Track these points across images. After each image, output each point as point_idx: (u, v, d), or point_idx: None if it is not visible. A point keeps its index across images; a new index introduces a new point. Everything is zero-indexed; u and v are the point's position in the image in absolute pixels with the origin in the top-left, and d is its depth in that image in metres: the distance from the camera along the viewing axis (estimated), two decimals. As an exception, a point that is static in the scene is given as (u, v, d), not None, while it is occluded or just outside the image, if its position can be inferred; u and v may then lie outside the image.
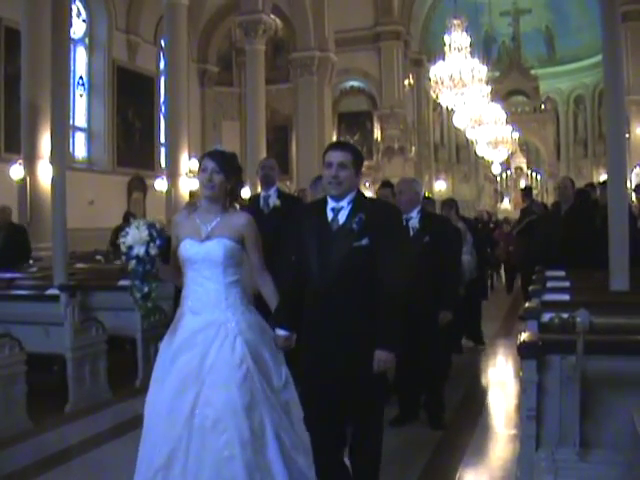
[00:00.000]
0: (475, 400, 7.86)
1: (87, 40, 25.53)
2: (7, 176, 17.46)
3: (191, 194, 20.01)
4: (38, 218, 15.71)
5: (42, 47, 15.21)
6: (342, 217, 4.19)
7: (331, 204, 4.25)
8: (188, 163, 21.04)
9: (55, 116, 9.89)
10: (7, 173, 17.53)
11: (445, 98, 26.36)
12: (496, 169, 38.29)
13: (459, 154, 40.14)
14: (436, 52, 29.50)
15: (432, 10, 34.98)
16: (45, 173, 15.67)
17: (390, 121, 31.48)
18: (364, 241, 4.10)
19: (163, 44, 24.86)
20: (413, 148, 33.26)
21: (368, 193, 28.87)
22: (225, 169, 4.31)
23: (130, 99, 25.80)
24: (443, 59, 25.93)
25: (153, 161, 26.61)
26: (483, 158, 36.39)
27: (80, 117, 24.85)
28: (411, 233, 6.56)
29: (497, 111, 30.78)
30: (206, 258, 4.26)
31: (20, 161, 16.67)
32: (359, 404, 4.31)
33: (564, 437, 3.69)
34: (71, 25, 19.75)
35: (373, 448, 4.41)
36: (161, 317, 7.85)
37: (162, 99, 26.50)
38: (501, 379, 9.29)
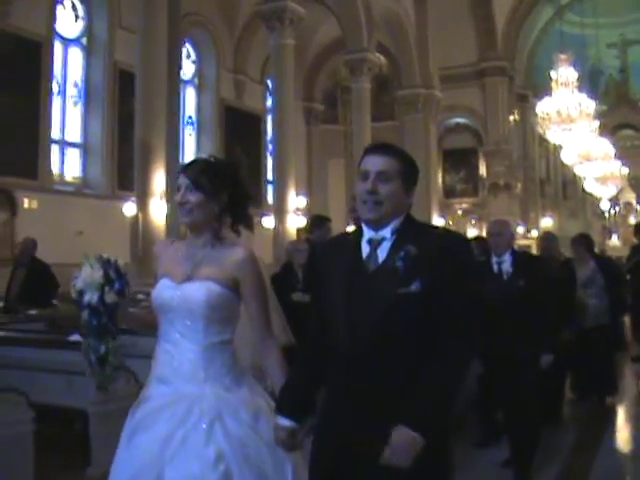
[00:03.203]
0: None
1: (196, 80, 26.28)
2: (120, 213, 18.00)
3: (298, 231, 20.17)
4: (150, 255, 16.06)
5: (155, 88, 15.70)
6: (383, 253, 2.86)
7: (368, 234, 2.91)
8: (295, 201, 21.25)
9: (168, 155, 10.14)
10: (120, 210, 18.08)
11: (553, 134, 25.96)
12: (604, 205, 37.48)
13: (566, 190, 39.41)
14: (542, 87, 29.12)
15: (537, 44, 34.62)
16: (157, 210, 16.10)
17: (496, 157, 31.17)
18: (414, 286, 2.73)
19: (270, 83, 25.35)
20: (519, 184, 32.84)
21: (473, 232, 28.96)
22: (205, 184, 3.19)
23: (237, 137, 26.34)
24: (550, 94, 25.57)
25: (260, 198, 26.99)
26: (591, 194, 35.66)
27: (190, 156, 25.42)
28: (504, 277, 6.31)
29: (605, 146, 30.15)
30: (182, 306, 3.17)
31: (133, 198, 17.13)
32: None
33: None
34: (181, 67, 20.28)
35: None
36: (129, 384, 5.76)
37: (269, 137, 26.92)
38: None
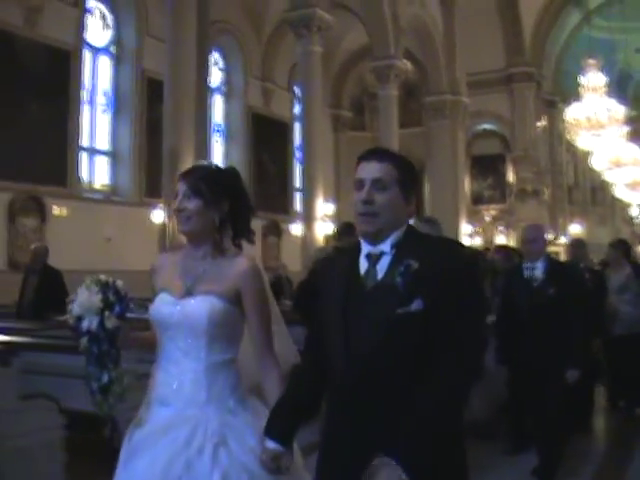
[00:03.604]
0: None
1: (224, 88, 26.41)
2: (148, 220, 18.11)
3: (326, 238, 20.17)
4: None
5: (183, 96, 15.76)
6: (382, 268, 2.62)
7: (366, 249, 2.68)
8: (323, 208, 21.26)
9: (196, 162, 10.15)
10: (149, 217, 18.19)
11: (582, 140, 25.82)
12: (634, 211, 37.18)
13: (595, 196, 39.13)
14: (570, 92, 28.94)
15: (565, 49, 34.43)
16: (185, 217, 16.00)
17: (523, 163, 31.02)
18: (415, 305, 2.48)
19: (297, 90, 25.42)
20: (547, 190, 32.66)
21: (501, 239, 28.85)
22: (204, 191, 3.01)
23: (265, 145, 26.45)
24: (578, 100, 25.45)
25: (288, 206, 27.04)
26: (620, 200, 35.39)
27: (217, 163, 25.43)
28: (535, 284, 6.24)
29: (635, 151, 29.90)
30: (183, 323, 2.97)
31: (161, 205, 17.19)
32: None
33: None
34: (210, 75, 20.37)
35: None
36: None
37: (296, 144, 27.01)
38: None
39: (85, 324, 2.96)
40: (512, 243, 24.75)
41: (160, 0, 18.11)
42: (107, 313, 2.96)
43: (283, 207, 26.66)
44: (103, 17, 21.98)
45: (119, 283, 3.06)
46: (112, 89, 22.06)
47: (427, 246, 2.63)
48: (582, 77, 25.34)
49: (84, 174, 20.99)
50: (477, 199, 32.43)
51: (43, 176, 18.27)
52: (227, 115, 26.53)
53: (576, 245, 9.87)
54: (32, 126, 18.05)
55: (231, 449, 2.86)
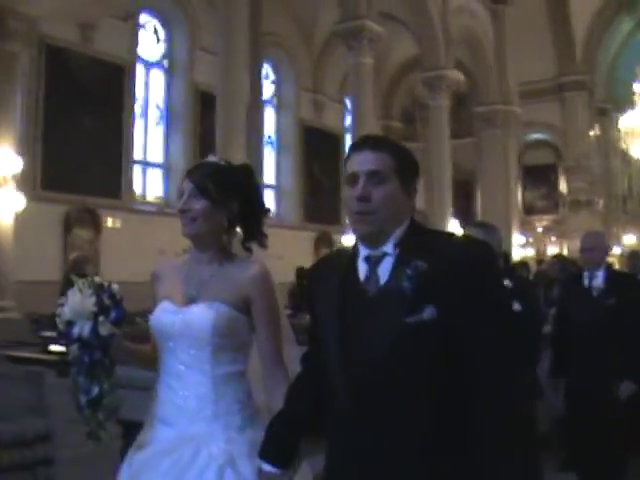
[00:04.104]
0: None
1: (275, 100, 26.54)
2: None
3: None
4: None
5: (235, 109, 15.86)
6: (384, 272, 2.25)
7: (364, 252, 2.31)
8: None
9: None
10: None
11: (636, 149, 25.50)
12: (691, 221, 36.55)
13: (650, 205, 38.55)
14: (623, 100, 28.55)
15: (617, 57, 33.98)
16: (237, 229, 16.09)
17: (576, 173, 30.66)
18: (427, 313, 2.10)
19: (348, 102, 25.44)
20: (600, 201, 32.26)
21: (553, 249, 28.58)
22: (211, 190, 2.75)
23: (316, 156, 26.49)
24: (632, 108, 25.14)
25: (339, 217, 27.09)
26: (676, 210, 34.82)
27: (269, 176, 25.68)
28: (594, 294, 6.00)
29: (691, 159, 29.45)
30: (185, 333, 2.72)
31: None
32: None
33: None
34: (262, 87, 20.51)
35: None
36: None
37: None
38: None
39: (76, 330, 2.64)
40: (565, 254, 24.47)
41: (211, 13, 18.26)
42: (101, 318, 2.65)
43: (335, 218, 26.64)
44: (155, 31, 22.25)
45: (115, 287, 2.74)
46: (164, 102, 22.30)
47: (436, 243, 2.25)
48: (635, 84, 25.05)
49: (137, 187, 21.21)
50: (529, 209, 32.12)
51: (97, 189, 18.53)
52: (278, 127, 26.67)
53: (634, 256, 9.73)
54: (87, 140, 18.31)
55: (239, 470, 2.61)
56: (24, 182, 15.58)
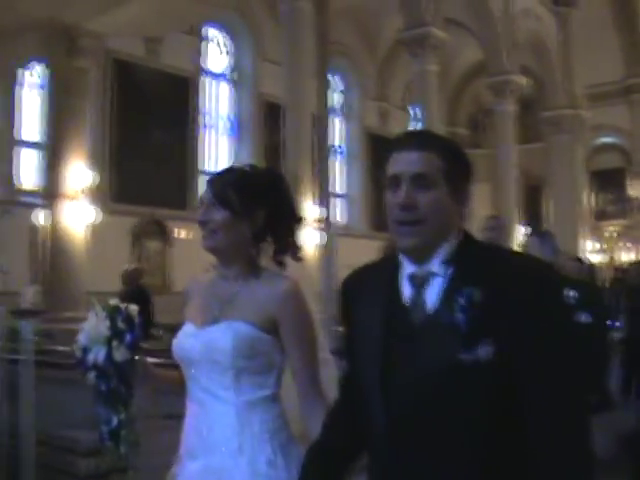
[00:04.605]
0: None
1: (342, 109, 26.66)
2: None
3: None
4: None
5: (302, 119, 15.90)
6: (432, 295, 1.91)
7: (408, 268, 1.98)
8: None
9: (317, 185, 10.26)
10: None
11: None
12: None
13: None
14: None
15: (686, 58, 33.39)
16: (308, 240, 16.03)
17: (646, 177, 30.15)
18: (482, 350, 1.78)
19: (412, 109, 25.37)
20: (672, 206, 31.62)
21: (628, 256, 28.02)
22: (232, 200, 2.48)
23: (383, 165, 26.43)
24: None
25: (406, 226, 27.07)
26: None
27: (337, 185, 25.79)
28: None
29: None
30: (205, 356, 2.43)
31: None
32: None
33: None
34: (327, 97, 20.57)
35: None
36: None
37: (414, 164, 26.94)
38: None
39: (91, 357, 2.45)
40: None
41: (276, 25, 18.37)
42: (115, 343, 2.44)
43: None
44: (218, 44, 22.46)
45: (132, 308, 2.55)
46: (231, 113, 22.51)
47: (492, 264, 1.89)
48: None
49: (205, 198, 21.35)
50: (599, 215, 31.59)
51: (165, 200, 18.75)
52: (345, 136, 26.76)
53: None
54: (154, 152, 18.56)
55: None
56: (96, 195, 15.83)
